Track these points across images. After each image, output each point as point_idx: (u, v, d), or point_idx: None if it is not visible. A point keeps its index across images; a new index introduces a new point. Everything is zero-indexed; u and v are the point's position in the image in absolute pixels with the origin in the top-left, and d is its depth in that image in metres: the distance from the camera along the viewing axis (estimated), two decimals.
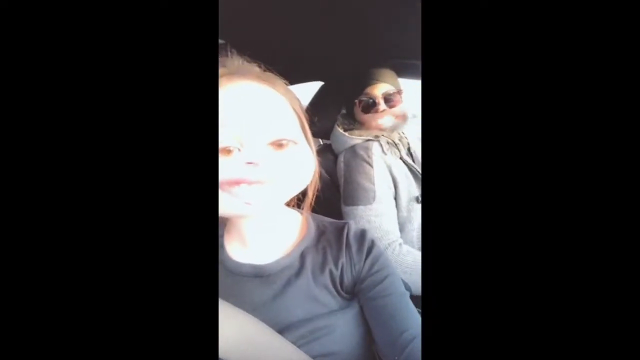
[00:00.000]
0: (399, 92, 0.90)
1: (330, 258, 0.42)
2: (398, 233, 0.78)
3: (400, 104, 0.90)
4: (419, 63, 1.02)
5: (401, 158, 0.87)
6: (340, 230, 0.44)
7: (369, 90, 0.88)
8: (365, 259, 0.42)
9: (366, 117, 0.89)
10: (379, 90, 0.88)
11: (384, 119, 0.88)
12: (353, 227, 0.45)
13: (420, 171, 0.88)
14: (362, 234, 0.44)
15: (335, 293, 0.41)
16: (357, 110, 0.91)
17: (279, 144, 0.35)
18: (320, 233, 0.44)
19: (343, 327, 0.40)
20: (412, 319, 0.40)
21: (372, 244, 0.43)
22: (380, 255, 0.43)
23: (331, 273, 0.41)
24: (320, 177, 0.44)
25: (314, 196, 0.44)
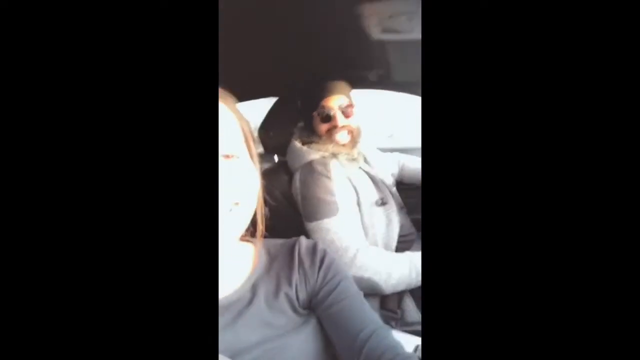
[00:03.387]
0: (352, 104, 0.93)
1: (283, 281, 0.43)
2: (364, 238, 0.81)
3: (354, 116, 0.92)
4: (368, 73, 1.06)
5: (360, 168, 0.90)
6: (291, 249, 0.45)
7: (324, 102, 0.90)
8: (319, 270, 0.44)
9: (325, 130, 0.91)
10: (335, 102, 0.90)
11: (341, 134, 0.90)
12: (304, 242, 0.46)
13: (377, 175, 0.92)
14: (313, 248, 0.46)
15: (292, 313, 0.42)
16: (317, 123, 0.92)
17: (224, 156, 0.36)
18: (272, 259, 0.45)
19: (298, 345, 0.40)
20: (368, 318, 0.42)
21: (324, 254, 0.45)
22: (332, 262, 0.45)
23: (287, 296, 0.42)
24: (266, 202, 0.45)
25: (264, 223, 0.45)
